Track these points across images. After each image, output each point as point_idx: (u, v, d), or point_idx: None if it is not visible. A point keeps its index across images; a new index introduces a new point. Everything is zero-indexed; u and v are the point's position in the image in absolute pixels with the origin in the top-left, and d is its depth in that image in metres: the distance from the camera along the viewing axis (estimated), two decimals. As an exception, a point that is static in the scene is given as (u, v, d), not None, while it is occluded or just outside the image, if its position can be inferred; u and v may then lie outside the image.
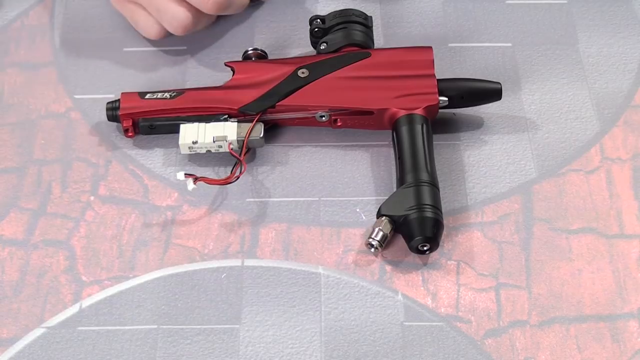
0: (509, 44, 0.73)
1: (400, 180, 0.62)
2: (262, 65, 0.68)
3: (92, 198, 0.65)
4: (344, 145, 0.67)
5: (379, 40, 0.73)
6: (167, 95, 0.67)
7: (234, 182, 0.64)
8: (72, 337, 0.58)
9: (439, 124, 0.67)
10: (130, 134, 0.67)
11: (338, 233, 0.63)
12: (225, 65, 0.69)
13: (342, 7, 0.71)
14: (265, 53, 0.70)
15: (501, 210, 0.64)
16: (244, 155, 0.64)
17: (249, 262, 0.61)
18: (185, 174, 0.63)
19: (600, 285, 0.60)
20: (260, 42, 0.73)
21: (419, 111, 0.65)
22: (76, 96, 0.70)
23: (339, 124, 0.67)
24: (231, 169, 0.65)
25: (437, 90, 0.66)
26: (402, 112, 0.65)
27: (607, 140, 0.67)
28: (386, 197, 0.62)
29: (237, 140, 0.65)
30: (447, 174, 0.65)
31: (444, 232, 0.61)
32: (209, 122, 0.66)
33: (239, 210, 0.64)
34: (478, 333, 0.58)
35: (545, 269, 0.61)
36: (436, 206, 0.61)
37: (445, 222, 0.61)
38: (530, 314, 0.59)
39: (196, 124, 0.66)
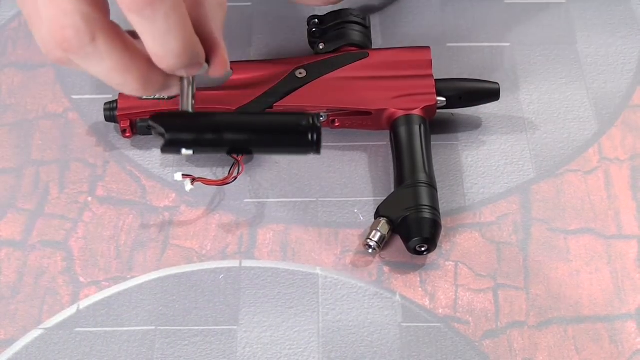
0: (507, 44, 0.73)
1: (398, 181, 0.62)
2: (259, 66, 0.68)
3: (89, 199, 0.65)
4: (342, 146, 0.67)
5: (377, 40, 0.73)
6: (164, 95, 0.67)
7: (231, 182, 0.63)
8: (69, 339, 0.58)
9: (437, 125, 0.67)
10: (128, 135, 0.67)
11: (336, 234, 0.63)
12: (223, 65, 0.69)
13: (340, 7, 0.71)
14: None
15: (499, 210, 0.64)
16: (241, 155, 0.64)
17: (247, 263, 0.61)
18: (183, 175, 0.62)
19: (599, 286, 0.60)
20: (258, 42, 0.73)
21: (417, 111, 0.65)
22: (74, 96, 0.70)
23: (337, 124, 0.67)
24: (229, 169, 0.64)
25: (435, 90, 0.66)
26: (400, 113, 0.65)
27: (605, 141, 0.67)
28: (384, 198, 0.62)
29: (235, 141, 0.65)
30: (445, 175, 0.65)
31: (442, 233, 0.61)
32: (207, 123, 0.65)
33: (237, 211, 0.64)
34: (476, 334, 0.58)
35: (543, 270, 0.61)
36: (434, 207, 0.61)
37: (443, 222, 0.61)
38: (529, 315, 0.59)
39: (194, 124, 0.65)
